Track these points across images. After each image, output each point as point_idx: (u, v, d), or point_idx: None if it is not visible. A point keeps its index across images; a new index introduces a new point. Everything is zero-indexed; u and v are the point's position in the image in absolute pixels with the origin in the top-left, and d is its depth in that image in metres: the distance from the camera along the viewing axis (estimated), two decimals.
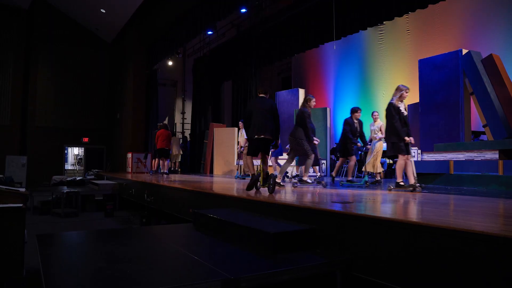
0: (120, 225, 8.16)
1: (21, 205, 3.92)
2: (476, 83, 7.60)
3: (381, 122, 7.81)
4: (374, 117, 7.97)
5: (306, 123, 6.45)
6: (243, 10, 13.40)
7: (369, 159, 7.80)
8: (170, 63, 18.25)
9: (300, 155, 6.67)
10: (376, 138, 7.80)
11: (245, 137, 9.31)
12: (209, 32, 14.69)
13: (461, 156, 6.37)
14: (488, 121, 7.48)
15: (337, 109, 14.40)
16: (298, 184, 6.54)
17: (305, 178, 6.45)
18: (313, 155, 6.45)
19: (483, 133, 8.33)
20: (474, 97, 7.79)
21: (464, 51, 7.98)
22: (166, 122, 16.34)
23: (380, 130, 7.84)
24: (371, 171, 7.96)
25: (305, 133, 6.44)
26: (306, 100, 6.70)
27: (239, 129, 10.75)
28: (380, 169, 8.16)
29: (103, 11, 15.47)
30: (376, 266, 2.80)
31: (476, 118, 8.52)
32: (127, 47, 16.32)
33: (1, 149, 15.60)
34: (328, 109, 11.60)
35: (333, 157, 12.61)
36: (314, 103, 6.75)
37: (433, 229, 2.49)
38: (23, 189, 5.12)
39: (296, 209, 3.75)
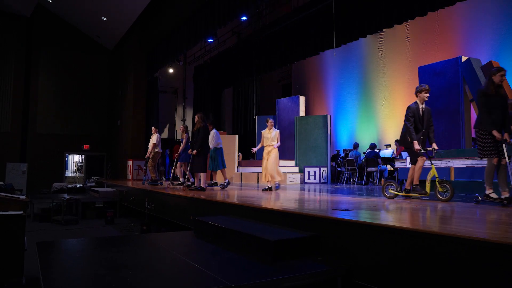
0: (121, 233, 8.13)
1: (21, 212, 3.92)
2: (476, 90, 7.62)
3: (276, 130, 7.57)
4: (270, 124, 7.56)
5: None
6: (244, 18, 13.49)
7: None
8: (171, 70, 18.33)
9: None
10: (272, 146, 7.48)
11: (153, 142, 10.21)
12: (210, 40, 14.80)
13: (462, 163, 6.35)
14: None
15: (337, 116, 14.41)
16: (481, 198, 4.84)
17: (488, 192, 4.77)
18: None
19: None
20: (474, 103, 7.80)
21: (464, 58, 8.01)
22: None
23: (277, 140, 7.50)
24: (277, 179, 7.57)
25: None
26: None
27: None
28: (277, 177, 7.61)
29: (104, 19, 15.57)
30: (377, 274, 2.79)
31: None
32: (128, 54, 16.39)
33: (2, 156, 15.60)
34: (328, 116, 11.61)
35: (333, 164, 12.56)
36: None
37: (434, 236, 2.48)
38: (23, 196, 5.12)
39: (297, 216, 3.74)
